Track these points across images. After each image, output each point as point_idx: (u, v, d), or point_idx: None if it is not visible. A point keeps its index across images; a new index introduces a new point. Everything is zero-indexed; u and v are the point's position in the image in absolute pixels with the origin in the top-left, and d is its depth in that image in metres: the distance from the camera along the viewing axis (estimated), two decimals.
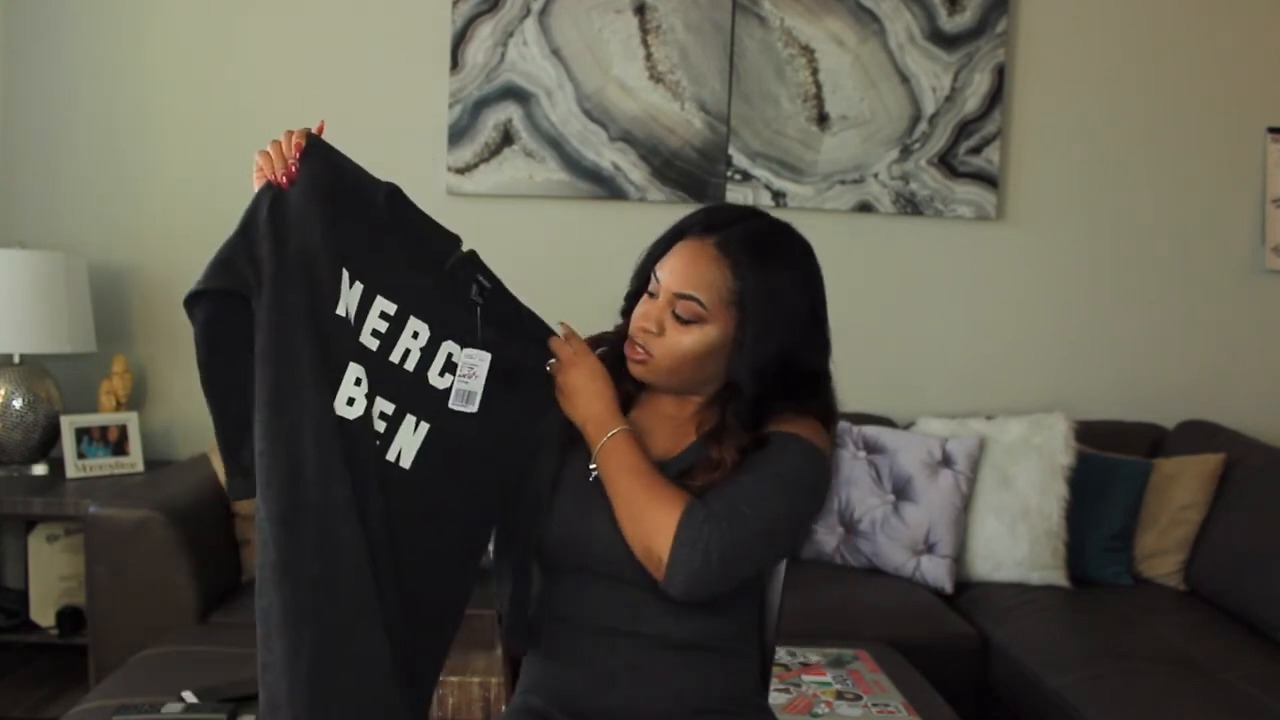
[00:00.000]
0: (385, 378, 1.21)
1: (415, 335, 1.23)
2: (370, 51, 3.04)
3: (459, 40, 3.00)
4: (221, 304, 1.15)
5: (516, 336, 1.30)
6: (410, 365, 1.23)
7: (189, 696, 1.81)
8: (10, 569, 2.98)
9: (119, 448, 2.84)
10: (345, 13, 3.03)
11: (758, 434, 1.26)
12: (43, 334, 2.73)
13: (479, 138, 3.03)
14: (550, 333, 1.33)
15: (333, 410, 1.15)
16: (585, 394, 1.29)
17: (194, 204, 3.02)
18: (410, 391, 1.23)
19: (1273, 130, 3.18)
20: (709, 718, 1.30)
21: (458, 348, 1.25)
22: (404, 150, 3.04)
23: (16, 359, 2.82)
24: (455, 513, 1.26)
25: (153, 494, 2.47)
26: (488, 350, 1.26)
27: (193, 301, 1.15)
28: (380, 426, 1.20)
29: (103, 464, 2.81)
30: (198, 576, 2.34)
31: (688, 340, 1.27)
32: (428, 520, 1.24)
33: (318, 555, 1.12)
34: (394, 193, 1.25)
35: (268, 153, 1.20)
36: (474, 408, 1.26)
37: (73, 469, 2.76)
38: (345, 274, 1.18)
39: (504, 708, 1.39)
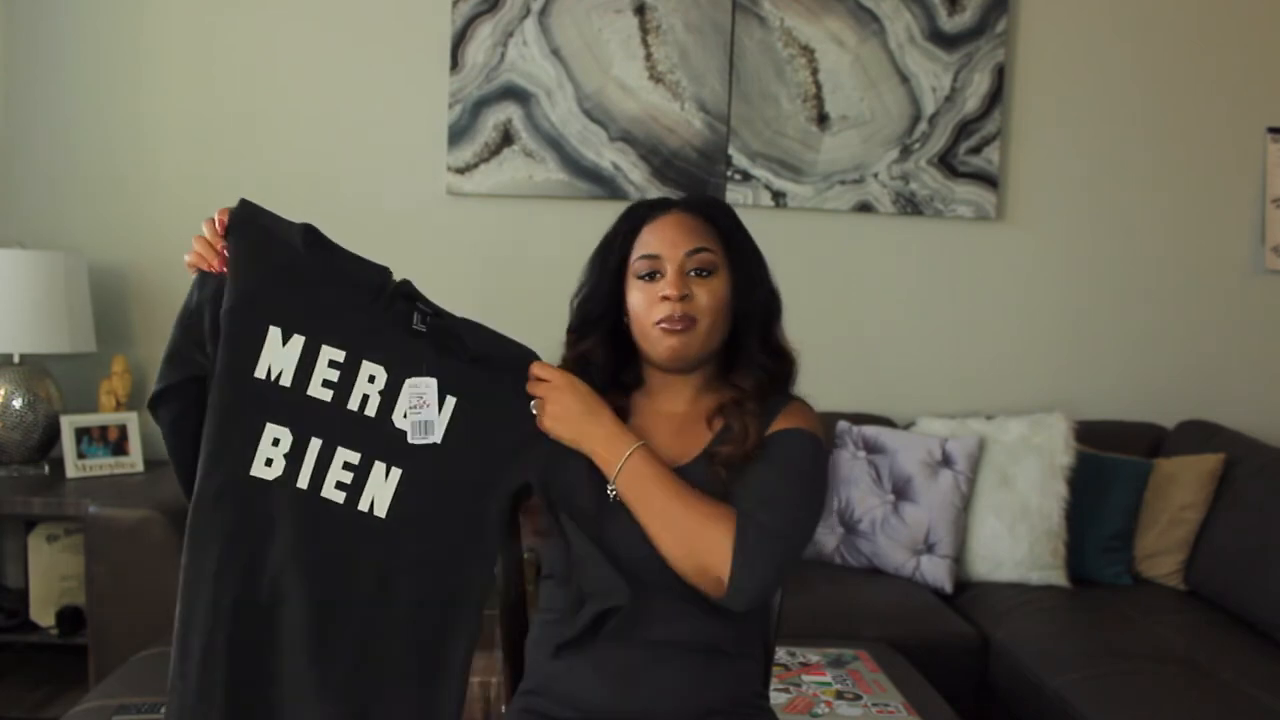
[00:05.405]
0: (344, 427, 1.19)
1: (372, 379, 1.19)
2: (370, 51, 3.04)
3: (459, 40, 3.00)
4: (183, 396, 1.20)
5: (472, 359, 1.23)
6: (371, 411, 1.20)
7: None
8: (10, 569, 2.98)
9: (119, 448, 2.84)
10: (345, 13, 3.03)
11: (768, 403, 1.32)
12: (43, 334, 2.73)
13: (479, 138, 3.03)
14: (517, 352, 1.27)
15: (240, 475, 1.17)
16: (580, 415, 1.25)
17: (194, 204, 2.97)
18: (374, 438, 1.19)
19: (1273, 130, 3.18)
20: (712, 719, 1.30)
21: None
22: (404, 150, 3.05)
23: (16, 359, 2.81)
24: (450, 552, 1.21)
25: (153, 494, 2.48)
26: (433, 376, 1.20)
27: (156, 403, 1.20)
28: (346, 478, 1.19)
29: (103, 464, 2.81)
30: None
31: (714, 292, 1.32)
32: (416, 567, 1.20)
33: (191, 619, 1.16)
34: (308, 230, 1.21)
35: (203, 236, 1.21)
36: (435, 437, 1.20)
37: (73, 469, 2.76)
38: (275, 332, 1.18)
39: (504, 708, 1.39)
